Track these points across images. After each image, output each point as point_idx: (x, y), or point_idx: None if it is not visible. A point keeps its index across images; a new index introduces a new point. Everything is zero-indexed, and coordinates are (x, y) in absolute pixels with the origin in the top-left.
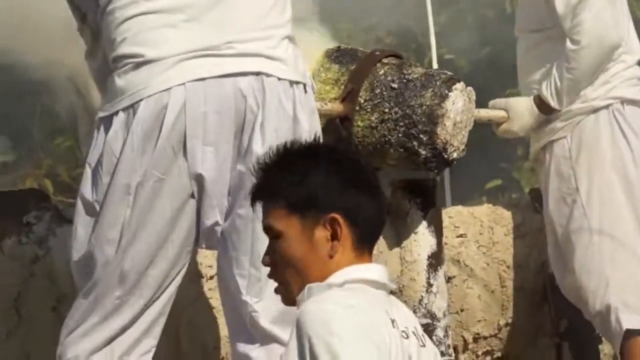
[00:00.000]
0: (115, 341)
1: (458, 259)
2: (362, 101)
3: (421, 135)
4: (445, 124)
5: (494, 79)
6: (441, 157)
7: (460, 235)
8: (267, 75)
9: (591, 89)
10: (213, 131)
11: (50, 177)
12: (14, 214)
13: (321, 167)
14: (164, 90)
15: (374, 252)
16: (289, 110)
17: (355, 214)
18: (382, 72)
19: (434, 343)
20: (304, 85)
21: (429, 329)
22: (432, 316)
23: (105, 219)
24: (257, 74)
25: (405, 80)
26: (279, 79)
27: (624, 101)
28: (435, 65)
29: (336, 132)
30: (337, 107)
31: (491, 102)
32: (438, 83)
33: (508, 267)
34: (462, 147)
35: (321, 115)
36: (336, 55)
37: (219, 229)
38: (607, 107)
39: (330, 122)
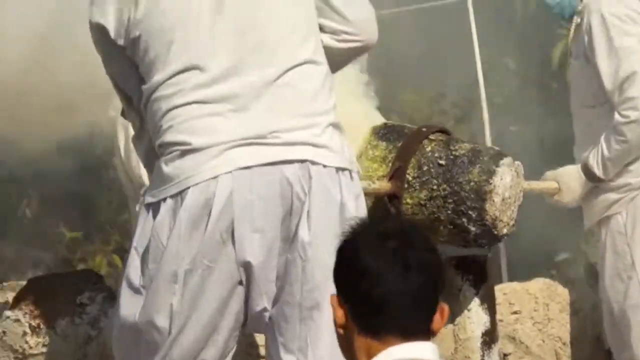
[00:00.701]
0: None
1: (513, 336)
2: (410, 178)
3: (470, 212)
4: (493, 200)
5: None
6: (491, 233)
7: (515, 312)
8: (313, 162)
9: None
10: (260, 218)
11: (118, 253)
12: (68, 295)
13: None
14: (212, 179)
15: None
16: (335, 196)
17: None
18: (429, 148)
19: None
20: (350, 171)
21: None
22: None
23: (152, 306)
24: (303, 161)
25: (452, 157)
26: (325, 166)
27: None
28: (488, 140)
29: (385, 210)
30: (384, 186)
31: (543, 175)
32: (485, 159)
33: (564, 343)
34: (512, 222)
35: (369, 194)
36: (383, 133)
37: (267, 314)
38: None
39: (378, 201)
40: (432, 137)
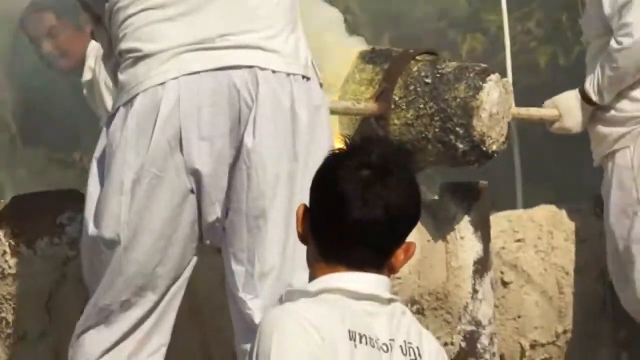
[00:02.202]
0: (124, 342)
1: (515, 264)
2: (397, 99)
3: (457, 129)
4: (480, 116)
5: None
6: (479, 149)
7: (518, 240)
8: (261, 68)
9: None
10: (207, 125)
11: None
12: (50, 215)
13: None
14: (159, 85)
15: (416, 256)
16: (284, 103)
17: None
18: (415, 68)
19: (479, 350)
20: (306, 78)
21: (473, 336)
22: (477, 323)
23: (100, 219)
24: (251, 67)
25: (438, 75)
26: (274, 71)
27: None
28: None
29: (372, 131)
30: (370, 106)
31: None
32: (471, 75)
33: (567, 273)
34: (502, 139)
35: (354, 115)
36: (370, 57)
37: (220, 225)
38: None
39: (365, 122)
40: (419, 57)
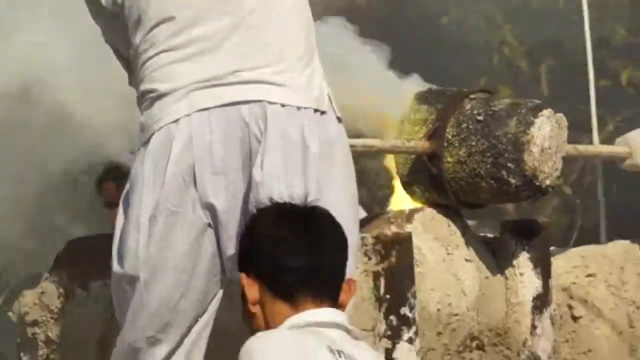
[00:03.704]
0: None
1: (586, 299)
2: (450, 137)
3: (509, 164)
4: (531, 150)
5: None
6: (532, 184)
7: (590, 275)
8: (270, 102)
9: None
10: (220, 160)
11: None
12: (104, 257)
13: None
14: (172, 122)
15: (475, 292)
16: (294, 136)
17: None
18: (468, 107)
19: None
20: (320, 111)
21: None
22: (536, 359)
23: (122, 256)
24: (260, 101)
25: (491, 112)
26: (283, 105)
27: None
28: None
29: (426, 170)
30: (422, 144)
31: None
32: (523, 111)
33: (638, 307)
34: (556, 174)
35: (405, 153)
36: (425, 97)
37: None
38: None
39: (418, 161)
40: (472, 96)
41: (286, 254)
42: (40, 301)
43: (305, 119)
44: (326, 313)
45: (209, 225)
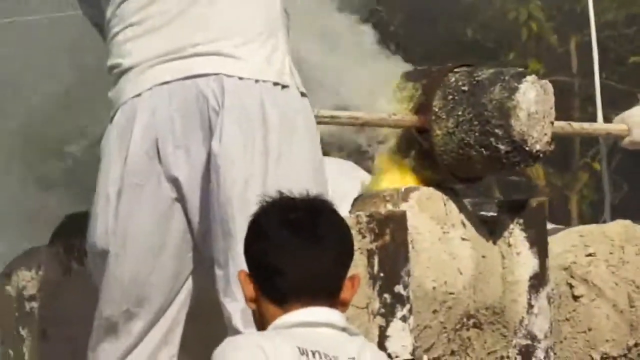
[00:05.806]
0: (134, 353)
1: (586, 278)
2: (437, 110)
3: (497, 130)
4: (518, 115)
5: None
6: (522, 149)
7: (590, 254)
8: (227, 75)
9: None
10: (181, 134)
11: None
12: None
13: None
14: (135, 96)
15: (471, 271)
16: (252, 109)
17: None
18: (453, 79)
19: None
20: (281, 85)
21: (529, 350)
22: (533, 337)
23: (93, 229)
24: (217, 74)
25: (474, 82)
26: (241, 78)
27: None
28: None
29: (417, 145)
30: (409, 118)
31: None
32: (507, 78)
33: (638, 287)
34: (546, 139)
35: (393, 127)
36: (411, 75)
37: (207, 232)
38: None
39: (407, 135)
40: (456, 70)
41: (284, 262)
42: (38, 275)
43: (263, 91)
44: (318, 313)
45: (176, 199)
